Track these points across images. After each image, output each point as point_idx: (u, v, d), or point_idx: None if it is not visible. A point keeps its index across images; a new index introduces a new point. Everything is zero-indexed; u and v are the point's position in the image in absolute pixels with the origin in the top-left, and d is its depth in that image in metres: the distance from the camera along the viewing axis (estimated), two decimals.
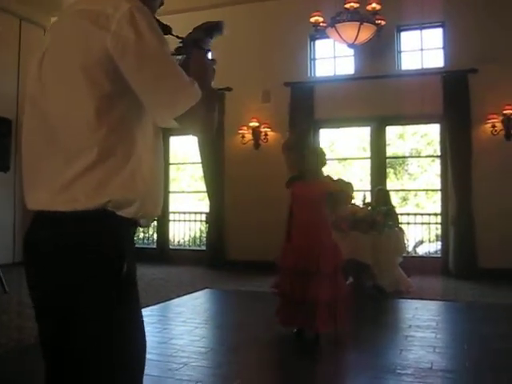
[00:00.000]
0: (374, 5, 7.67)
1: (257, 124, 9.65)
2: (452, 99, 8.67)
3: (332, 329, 4.72)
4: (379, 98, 8.96)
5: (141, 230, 12.12)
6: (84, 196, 1.40)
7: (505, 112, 8.31)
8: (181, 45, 1.71)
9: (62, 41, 1.48)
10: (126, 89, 1.42)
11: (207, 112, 1.51)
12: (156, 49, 1.41)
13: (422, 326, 5.33)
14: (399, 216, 8.27)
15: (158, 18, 1.56)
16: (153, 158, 1.55)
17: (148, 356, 4.21)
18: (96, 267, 1.41)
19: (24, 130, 1.57)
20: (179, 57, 1.67)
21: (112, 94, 1.42)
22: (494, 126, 8.44)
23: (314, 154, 5.08)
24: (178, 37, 1.70)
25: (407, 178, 16.48)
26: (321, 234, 4.78)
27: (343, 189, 5.02)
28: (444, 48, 9.09)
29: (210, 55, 1.75)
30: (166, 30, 1.63)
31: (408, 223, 9.69)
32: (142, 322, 1.55)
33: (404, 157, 15.63)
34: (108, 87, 1.41)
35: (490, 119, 8.43)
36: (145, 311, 6.15)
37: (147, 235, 12.17)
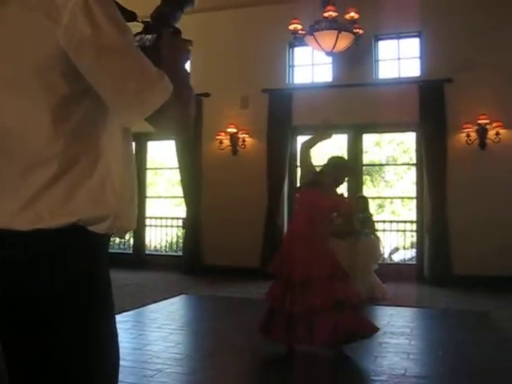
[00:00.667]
0: (352, 14, 7.76)
1: (235, 130, 9.65)
2: (428, 108, 8.77)
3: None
4: (356, 106, 9.03)
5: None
6: (48, 213, 1.23)
7: (479, 122, 8.43)
8: (149, 21, 1.47)
9: (6, 38, 1.25)
10: (87, 90, 1.26)
11: (181, 108, 1.35)
12: (116, 41, 1.21)
13: (397, 333, 5.37)
14: (375, 223, 8.33)
15: (120, 3, 1.36)
16: (123, 166, 1.39)
17: (123, 363, 4.18)
18: (65, 285, 1.26)
19: None
20: (148, 36, 1.43)
21: (70, 98, 1.26)
22: (468, 136, 8.56)
23: (335, 167, 4.71)
24: (143, 22, 1.47)
25: (383, 185, 16.62)
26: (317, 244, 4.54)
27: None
28: (421, 57, 9.21)
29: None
30: (131, 16, 1.43)
31: (384, 230, 9.77)
32: (117, 334, 1.45)
33: (380, 164, 15.77)
34: (65, 90, 1.25)
35: (464, 128, 8.54)
36: (120, 317, 6.13)
37: (123, 240, 12.08)
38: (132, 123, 1.35)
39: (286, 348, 4.50)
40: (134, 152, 1.51)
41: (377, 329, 4.59)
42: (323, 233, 4.61)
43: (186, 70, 1.47)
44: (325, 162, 4.83)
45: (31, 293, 1.25)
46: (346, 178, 4.84)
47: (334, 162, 4.79)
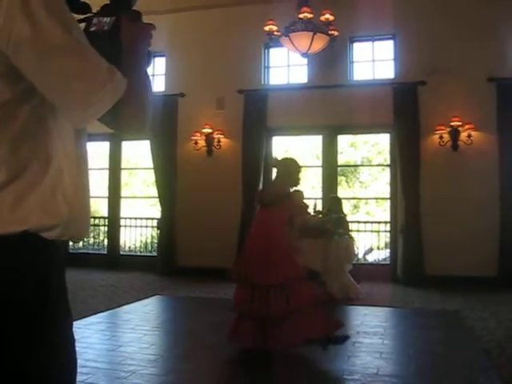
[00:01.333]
0: (327, 16, 7.81)
1: (210, 130, 9.64)
2: (402, 110, 8.87)
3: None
4: (331, 107, 9.09)
5: (91, 235, 11.95)
6: None
7: (452, 124, 8.54)
8: (108, 3, 1.34)
9: None
10: (31, 91, 1.16)
11: (138, 104, 1.26)
12: (59, 39, 1.10)
13: (370, 333, 5.42)
14: (350, 224, 8.39)
15: None
16: (77, 170, 1.30)
17: (96, 364, 4.17)
18: (15, 294, 1.17)
19: None
20: (107, 19, 1.29)
21: (12, 101, 1.16)
22: (441, 137, 8.68)
23: (287, 167, 4.89)
24: (96, 14, 1.33)
25: (358, 186, 16.75)
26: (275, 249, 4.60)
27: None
28: (395, 60, 9.30)
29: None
30: (83, 8, 1.31)
31: (358, 231, 9.85)
32: (73, 341, 1.35)
33: (355, 165, 15.90)
34: (5, 94, 1.15)
35: (438, 130, 8.66)
36: (94, 318, 6.09)
37: (97, 241, 12.00)
38: (83, 125, 1.26)
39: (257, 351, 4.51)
40: (88, 154, 1.41)
41: (341, 324, 4.71)
42: (280, 238, 4.68)
43: (145, 58, 1.36)
44: (276, 166, 4.93)
45: None
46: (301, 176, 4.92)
47: (285, 162, 4.92)
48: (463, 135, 8.60)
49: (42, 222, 1.19)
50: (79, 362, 4.19)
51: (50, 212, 1.21)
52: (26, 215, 1.17)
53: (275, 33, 8.04)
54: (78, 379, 3.81)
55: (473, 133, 8.55)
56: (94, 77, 1.15)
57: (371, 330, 5.52)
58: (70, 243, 1.47)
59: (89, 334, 5.16)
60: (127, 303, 6.90)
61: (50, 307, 1.23)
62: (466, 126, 8.53)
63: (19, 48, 1.09)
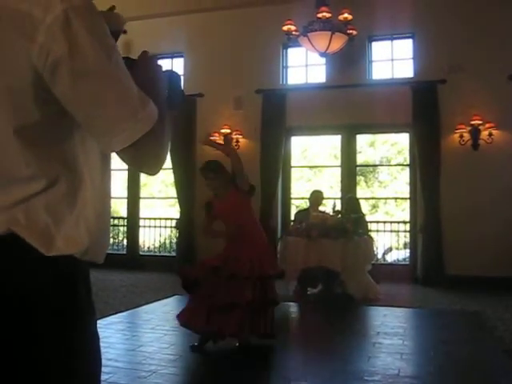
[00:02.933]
0: (345, 15, 7.78)
1: (228, 131, 9.65)
2: (421, 109, 8.81)
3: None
4: (350, 107, 9.05)
5: (110, 235, 12.02)
6: None
7: (472, 122, 8.47)
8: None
9: None
10: (63, 113, 1.14)
11: (159, 140, 1.23)
12: (97, 63, 1.09)
13: (390, 333, 5.39)
14: (369, 224, 8.36)
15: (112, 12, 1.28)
16: (100, 196, 1.28)
17: (116, 364, 4.19)
18: (48, 296, 1.18)
19: None
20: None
21: (42, 122, 1.13)
22: (461, 136, 8.60)
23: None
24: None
25: (377, 185, 16.67)
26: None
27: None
28: (414, 58, 9.24)
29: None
30: (118, 29, 1.31)
31: (377, 231, 9.79)
32: (98, 340, 1.35)
33: (374, 165, 15.80)
34: (36, 114, 1.12)
35: (458, 129, 8.58)
36: (114, 318, 6.13)
37: (117, 241, 12.08)
38: (110, 151, 1.23)
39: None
40: (110, 179, 1.37)
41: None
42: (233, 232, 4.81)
43: (164, 92, 1.32)
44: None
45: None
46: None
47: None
48: (484, 134, 8.51)
49: (63, 251, 1.17)
50: None
51: (72, 243, 1.20)
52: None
53: (293, 33, 8.03)
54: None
55: (494, 131, 8.47)
56: (127, 104, 1.13)
57: (391, 331, 5.49)
58: None
59: (109, 334, 5.20)
60: (147, 303, 6.94)
61: (78, 306, 1.24)
62: (487, 125, 8.45)
63: (56, 68, 1.07)
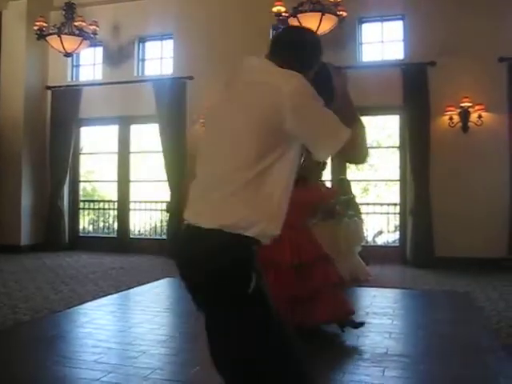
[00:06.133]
0: None
1: None
2: (411, 91, 8.80)
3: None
4: None
5: (101, 219, 12.02)
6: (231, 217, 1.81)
7: (462, 105, 8.47)
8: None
9: (246, 98, 1.88)
10: (284, 142, 1.83)
11: (353, 138, 1.85)
12: (318, 112, 1.81)
13: (379, 313, 5.44)
14: (359, 206, 8.38)
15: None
16: (284, 194, 1.89)
17: (108, 344, 4.22)
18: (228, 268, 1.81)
19: (203, 144, 2.05)
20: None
21: (272, 145, 1.81)
22: (451, 119, 8.61)
23: None
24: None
25: (368, 168, 16.68)
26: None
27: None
28: (404, 40, 9.21)
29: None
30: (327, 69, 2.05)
31: (368, 213, 9.83)
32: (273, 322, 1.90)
33: None
34: (271, 139, 1.80)
35: (447, 111, 8.59)
36: (104, 300, 6.15)
37: (107, 224, 12.06)
38: (321, 160, 2.19)
39: None
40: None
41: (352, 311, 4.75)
42: None
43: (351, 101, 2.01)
44: None
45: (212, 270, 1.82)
46: None
47: None
48: (473, 116, 8.53)
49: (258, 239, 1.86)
50: (91, 342, 4.31)
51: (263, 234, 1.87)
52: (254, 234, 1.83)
53: (283, 14, 7.99)
54: (90, 359, 3.89)
55: (483, 114, 8.48)
56: (331, 133, 1.84)
57: (381, 311, 5.54)
58: None
59: (100, 316, 5.21)
60: (138, 285, 6.95)
61: (259, 276, 1.86)
62: (477, 107, 8.46)
63: (290, 114, 1.77)
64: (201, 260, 1.84)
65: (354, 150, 1.91)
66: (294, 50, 2.02)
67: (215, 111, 2.05)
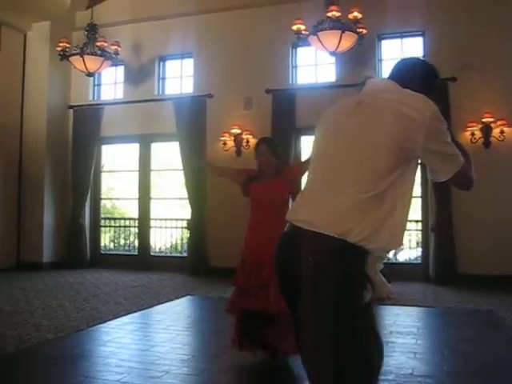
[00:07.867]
0: (355, 13, 7.76)
1: (239, 131, 9.66)
2: None
3: None
4: None
5: (121, 236, 12.08)
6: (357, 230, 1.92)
7: (484, 120, 8.41)
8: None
9: (381, 112, 2.00)
10: (404, 160, 1.96)
11: (466, 170, 2.18)
12: (447, 138, 2.00)
13: (403, 332, 5.37)
14: None
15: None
16: (403, 212, 2.04)
17: (130, 364, 4.19)
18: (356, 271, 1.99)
19: (321, 153, 2.18)
20: None
21: (399, 161, 1.94)
22: (473, 134, 8.54)
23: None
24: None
25: None
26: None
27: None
28: (424, 56, 9.17)
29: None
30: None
31: None
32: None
33: None
34: (401, 157, 1.94)
35: (469, 127, 8.52)
36: (126, 318, 6.15)
37: (128, 242, 12.11)
38: (438, 181, 2.19)
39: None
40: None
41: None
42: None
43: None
44: None
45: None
46: None
47: None
48: (495, 131, 8.46)
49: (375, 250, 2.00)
50: (114, 361, 4.28)
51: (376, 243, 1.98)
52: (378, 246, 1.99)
53: (303, 32, 8.01)
54: (113, 378, 3.87)
55: (505, 129, 8.40)
56: (456, 159, 2.07)
57: (404, 330, 5.47)
58: None
59: (122, 335, 5.21)
60: (159, 303, 6.95)
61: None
62: (499, 122, 8.39)
63: (432, 136, 1.95)
64: (323, 265, 1.90)
65: (465, 178, 2.20)
66: (422, 78, 2.31)
67: (341, 124, 2.17)
